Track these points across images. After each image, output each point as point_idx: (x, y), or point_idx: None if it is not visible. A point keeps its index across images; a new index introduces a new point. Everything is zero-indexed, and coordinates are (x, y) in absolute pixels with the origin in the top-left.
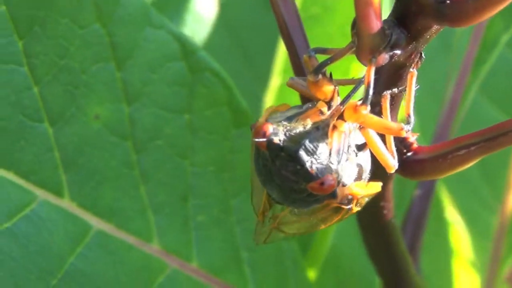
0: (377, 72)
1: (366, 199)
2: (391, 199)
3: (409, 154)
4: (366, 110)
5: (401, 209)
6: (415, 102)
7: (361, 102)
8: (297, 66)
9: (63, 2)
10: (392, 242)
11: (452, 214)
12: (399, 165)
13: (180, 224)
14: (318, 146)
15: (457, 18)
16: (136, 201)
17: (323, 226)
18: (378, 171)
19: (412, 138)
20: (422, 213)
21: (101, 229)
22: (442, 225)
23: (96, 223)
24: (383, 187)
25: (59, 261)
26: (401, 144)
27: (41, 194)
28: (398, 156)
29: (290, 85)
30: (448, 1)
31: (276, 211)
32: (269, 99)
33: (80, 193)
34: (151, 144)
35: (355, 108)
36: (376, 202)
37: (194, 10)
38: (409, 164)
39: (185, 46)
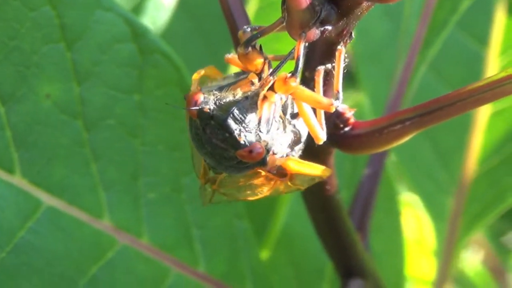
0: (311, 47)
1: (305, 179)
2: (332, 174)
3: (346, 129)
4: (295, 82)
5: (352, 188)
6: (368, 83)
7: (290, 74)
8: (238, 43)
9: None
10: (337, 218)
11: (407, 195)
12: (337, 140)
13: (131, 201)
14: (247, 115)
15: None
16: (87, 178)
17: (261, 195)
18: (319, 147)
19: (349, 113)
20: (371, 191)
21: (52, 205)
22: (393, 204)
23: (47, 199)
24: (323, 163)
25: (9, 236)
26: (338, 119)
27: None
28: (335, 131)
29: (228, 60)
30: None
31: (215, 175)
32: None
33: (31, 170)
34: (102, 123)
35: (285, 80)
36: None
37: None
38: (347, 138)
39: (135, 28)
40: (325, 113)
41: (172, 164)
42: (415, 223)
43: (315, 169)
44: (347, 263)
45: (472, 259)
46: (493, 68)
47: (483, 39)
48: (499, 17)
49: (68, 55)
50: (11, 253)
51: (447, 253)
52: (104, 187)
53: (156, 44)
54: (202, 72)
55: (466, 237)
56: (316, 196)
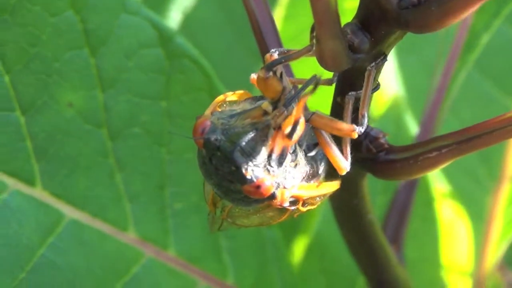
0: (342, 74)
1: (318, 199)
2: (364, 196)
3: (380, 154)
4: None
5: (388, 193)
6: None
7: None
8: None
9: None
10: (370, 237)
11: (445, 196)
12: (369, 164)
13: (157, 212)
14: (256, 147)
15: (420, 25)
16: (111, 190)
17: (273, 222)
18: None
19: (383, 138)
20: (406, 202)
21: (74, 218)
22: (429, 210)
23: (69, 211)
24: (355, 186)
25: (29, 253)
26: (372, 143)
27: (12, 183)
28: (368, 155)
29: (253, 80)
30: (410, 7)
31: (225, 203)
32: None
33: (53, 181)
34: (127, 131)
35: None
36: (350, 200)
37: None
38: (380, 164)
39: (162, 32)
40: (357, 137)
41: (198, 173)
42: (453, 218)
43: (329, 187)
44: (380, 278)
45: None
46: None
47: None
48: None
49: (92, 61)
50: (31, 273)
51: (484, 255)
52: (129, 198)
53: (184, 49)
54: (230, 94)
55: (505, 238)
56: (347, 216)
